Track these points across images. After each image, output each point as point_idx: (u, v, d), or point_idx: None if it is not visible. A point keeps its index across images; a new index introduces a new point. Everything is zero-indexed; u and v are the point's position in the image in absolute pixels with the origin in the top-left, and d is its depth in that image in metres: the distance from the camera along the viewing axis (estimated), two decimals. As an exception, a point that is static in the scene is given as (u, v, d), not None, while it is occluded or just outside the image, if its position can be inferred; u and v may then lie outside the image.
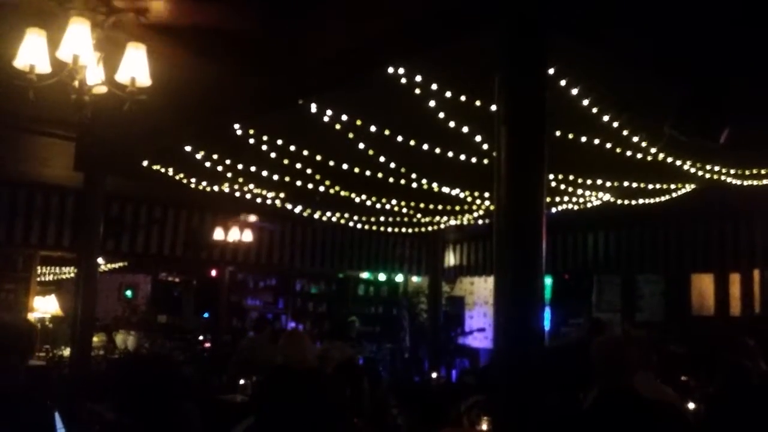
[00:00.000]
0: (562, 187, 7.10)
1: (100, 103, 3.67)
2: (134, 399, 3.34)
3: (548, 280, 11.40)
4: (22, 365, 2.93)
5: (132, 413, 3.32)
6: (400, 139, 5.47)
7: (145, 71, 3.57)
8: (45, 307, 10.05)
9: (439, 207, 8.63)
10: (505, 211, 2.96)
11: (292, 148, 5.96)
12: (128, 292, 14.11)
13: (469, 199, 7.84)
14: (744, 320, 8.99)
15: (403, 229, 10.53)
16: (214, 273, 12.06)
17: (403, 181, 6.91)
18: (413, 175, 6.79)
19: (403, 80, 4.19)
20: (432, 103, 4.56)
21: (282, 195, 8.00)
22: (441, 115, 4.76)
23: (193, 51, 4.17)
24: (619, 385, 3.22)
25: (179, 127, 5.42)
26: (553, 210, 8.12)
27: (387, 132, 5.33)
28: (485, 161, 5.70)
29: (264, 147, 5.85)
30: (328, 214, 9.34)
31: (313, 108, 4.85)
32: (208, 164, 6.52)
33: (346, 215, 9.56)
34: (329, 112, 4.95)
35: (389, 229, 10.53)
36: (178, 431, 3.41)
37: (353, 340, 9.09)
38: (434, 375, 9.58)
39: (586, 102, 4.48)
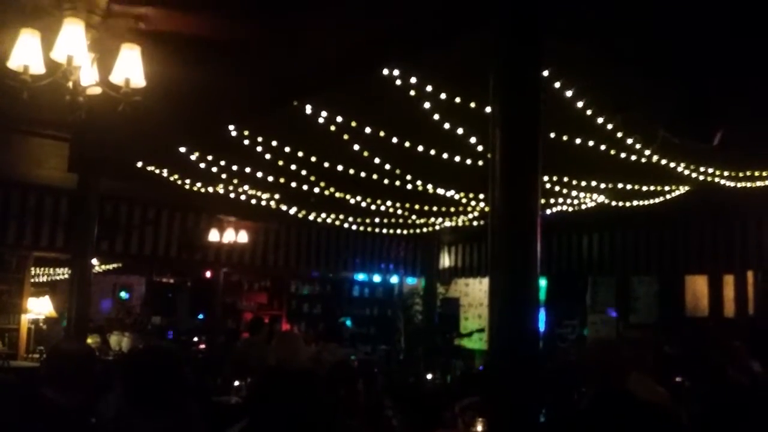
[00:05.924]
0: (557, 188, 7.11)
1: (95, 104, 3.67)
2: (146, 388, 3.34)
3: (543, 282, 11.41)
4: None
5: (141, 404, 3.31)
6: (395, 140, 5.47)
7: (140, 72, 3.56)
8: (39, 308, 10.00)
9: (434, 208, 8.63)
10: (499, 212, 2.96)
11: (287, 149, 5.96)
12: (123, 293, 14.07)
13: (464, 200, 7.84)
14: (738, 322, 9.02)
15: (398, 231, 10.52)
16: (208, 274, 12.04)
17: (398, 183, 6.91)
18: (408, 177, 6.79)
19: (398, 82, 4.19)
20: (427, 105, 4.56)
21: (277, 196, 7.98)
22: (436, 116, 4.76)
23: (188, 51, 4.17)
24: (613, 387, 3.23)
25: (174, 128, 5.40)
26: (548, 211, 8.12)
27: (382, 133, 5.33)
28: (480, 163, 5.70)
29: (258, 148, 5.85)
30: (323, 215, 9.33)
31: (308, 109, 4.85)
32: (202, 165, 6.51)
33: (341, 216, 9.56)
34: (324, 114, 4.95)
35: (384, 231, 10.53)
36: (186, 428, 3.41)
37: (346, 341, 9.09)
38: (429, 376, 9.56)
39: (580, 104, 4.49)
